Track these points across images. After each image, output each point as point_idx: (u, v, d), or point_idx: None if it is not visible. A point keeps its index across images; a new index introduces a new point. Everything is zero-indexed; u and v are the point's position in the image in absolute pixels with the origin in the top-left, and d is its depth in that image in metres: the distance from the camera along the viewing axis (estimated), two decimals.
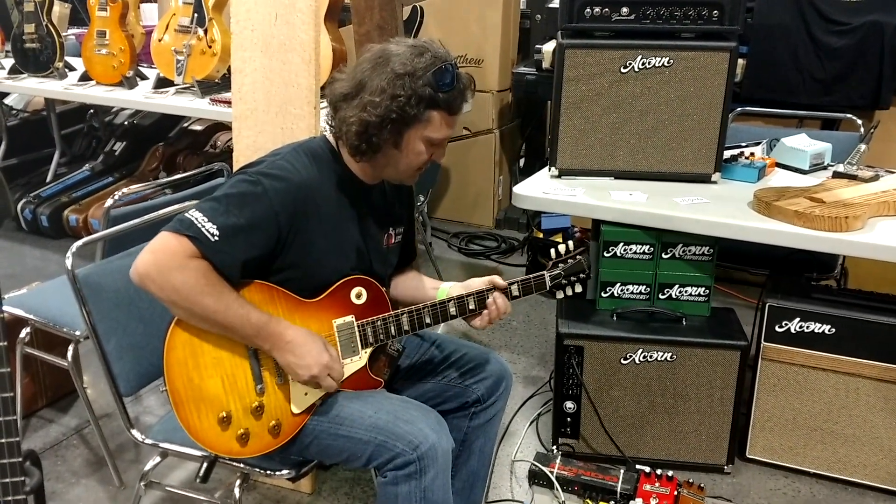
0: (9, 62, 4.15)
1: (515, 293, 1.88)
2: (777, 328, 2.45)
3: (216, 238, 1.61)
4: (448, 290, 1.95)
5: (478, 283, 1.89)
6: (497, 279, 1.89)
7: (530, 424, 2.84)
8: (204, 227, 1.61)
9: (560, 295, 1.95)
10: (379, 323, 1.83)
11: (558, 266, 1.92)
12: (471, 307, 1.86)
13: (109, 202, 2.50)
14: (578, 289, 1.95)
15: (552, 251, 1.94)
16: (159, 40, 3.66)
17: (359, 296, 1.83)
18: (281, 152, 1.78)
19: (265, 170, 1.71)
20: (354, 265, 1.84)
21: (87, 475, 2.58)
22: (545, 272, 1.92)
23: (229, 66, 2.97)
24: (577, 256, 1.93)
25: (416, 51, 1.70)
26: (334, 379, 1.74)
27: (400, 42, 1.75)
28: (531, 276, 1.90)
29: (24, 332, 2.58)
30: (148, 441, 1.95)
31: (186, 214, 1.63)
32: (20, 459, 1.49)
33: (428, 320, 1.84)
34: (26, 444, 2.68)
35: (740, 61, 3.48)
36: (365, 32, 2.81)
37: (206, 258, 1.61)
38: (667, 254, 2.46)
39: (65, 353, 2.48)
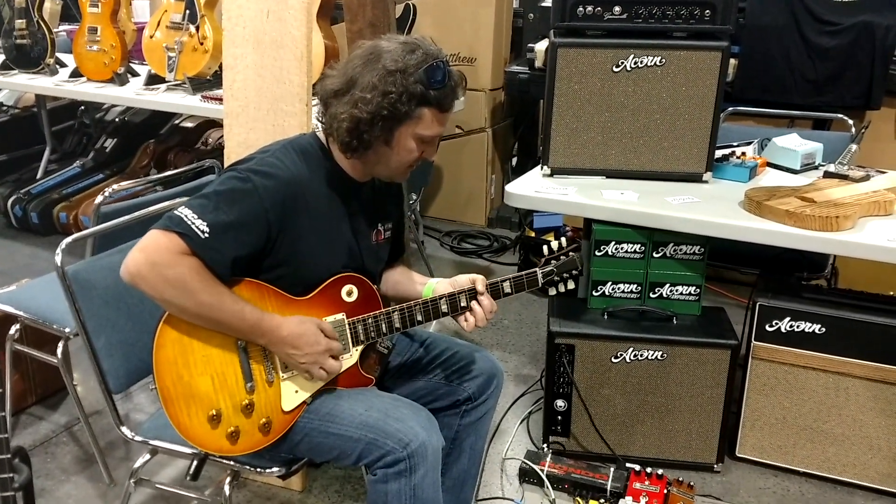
0: None
1: (507, 290, 1.88)
2: (767, 327, 2.46)
3: (206, 235, 1.60)
4: (434, 285, 1.95)
5: (464, 280, 1.89)
6: (479, 282, 1.87)
7: (521, 423, 2.85)
8: (194, 223, 1.60)
9: (552, 292, 1.95)
10: (370, 320, 1.82)
11: (550, 263, 1.92)
12: (462, 304, 1.85)
13: (100, 199, 2.49)
14: (571, 285, 1.95)
15: (544, 248, 1.94)
16: (151, 37, 3.65)
17: (349, 293, 1.83)
18: (270, 149, 1.78)
19: (255, 167, 1.70)
20: (346, 262, 1.84)
21: (77, 472, 2.57)
22: (537, 269, 1.92)
23: (221, 63, 2.96)
24: (570, 253, 1.93)
25: (408, 48, 1.70)
26: (335, 360, 1.75)
27: (391, 39, 1.74)
28: (523, 272, 1.90)
29: (13, 329, 2.57)
30: (138, 438, 1.95)
31: (176, 212, 1.63)
32: (9, 456, 1.48)
33: (419, 318, 1.84)
34: (15, 440, 2.67)
35: (732, 61, 3.48)
36: (357, 30, 2.81)
37: (197, 255, 1.61)
38: (658, 253, 2.46)
39: (54, 350, 2.47)
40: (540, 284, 1.92)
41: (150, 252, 1.60)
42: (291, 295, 1.77)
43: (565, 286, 1.94)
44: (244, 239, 1.66)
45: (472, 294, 1.85)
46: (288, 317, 1.73)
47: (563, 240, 1.94)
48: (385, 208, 1.98)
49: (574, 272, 1.93)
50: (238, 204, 1.65)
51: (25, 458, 1.65)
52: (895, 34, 3.36)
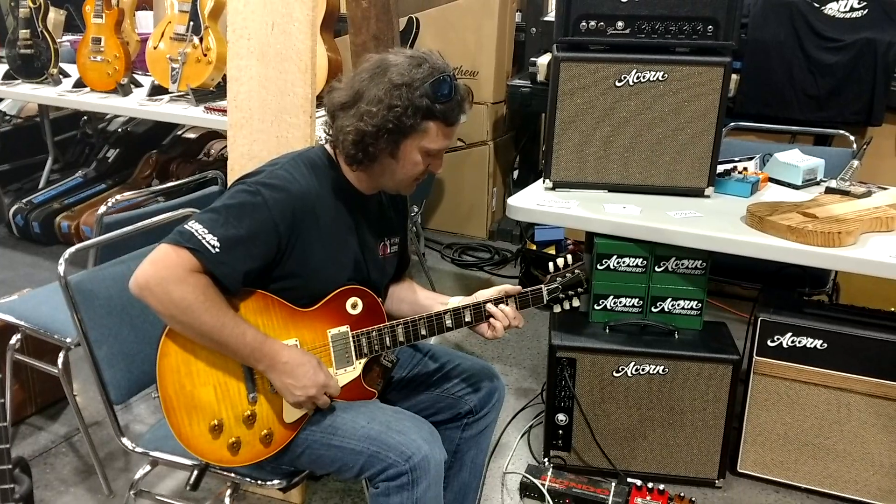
0: (3, 68, 4.14)
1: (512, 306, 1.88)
2: (769, 342, 2.46)
3: (217, 250, 1.60)
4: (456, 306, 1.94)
5: (485, 296, 1.88)
6: (509, 288, 1.89)
7: (522, 436, 2.84)
8: (204, 238, 1.61)
9: (557, 309, 1.94)
10: (374, 333, 1.82)
11: (556, 280, 1.92)
12: (467, 319, 1.85)
13: (102, 209, 2.49)
14: (576, 303, 1.94)
15: (550, 265, 1.93)
16: (154, 48, 3.66)
17: (354, 306, 1.82)
18: (279, 162, 1.78)
19: (264, 180, 1.71)
20: (351, 275, 1.84)
21: (76, 483, 2.56)
22: (542, 286, 1.91)
23: (224, 75, 2.97)
24: (576, 270, 1.92)
25: (415, 62, 1.70)
26: (330, 396, 1.75)
27: (399, 52, 1.75)
28: (528, 289, 1.89)
29: (14, 339, 2.56)
30: (138, 449, 1.94)
31: (186, 226, 1.63)
32: (9, 467, 1.48)
33: (423, 332, 1.83)
34: (15, 451, 2.66)
35: (734, 76, 3.50)
36: (361, 43, 2.82)
37: (207, 271, 1.61)
38: (660, 267, 2.46)
39: (55, 360, 2.47)
40: (545, 301, 1.91)
41: (159, 267, 1.60)
42: (297, 307, 1.77)
43: (570, 303, 1.93)
44: (254, 253, 1.66)
45: (478, 309, 1.85)
46: (291, 346, 1.73)
47: (570, 257, 1.93)
48: (391, 223, 1.98)
49: (580, 290, 1.92)
50: (248, 217, 1.65)
51: (26, 469, 1.65)
52: None
